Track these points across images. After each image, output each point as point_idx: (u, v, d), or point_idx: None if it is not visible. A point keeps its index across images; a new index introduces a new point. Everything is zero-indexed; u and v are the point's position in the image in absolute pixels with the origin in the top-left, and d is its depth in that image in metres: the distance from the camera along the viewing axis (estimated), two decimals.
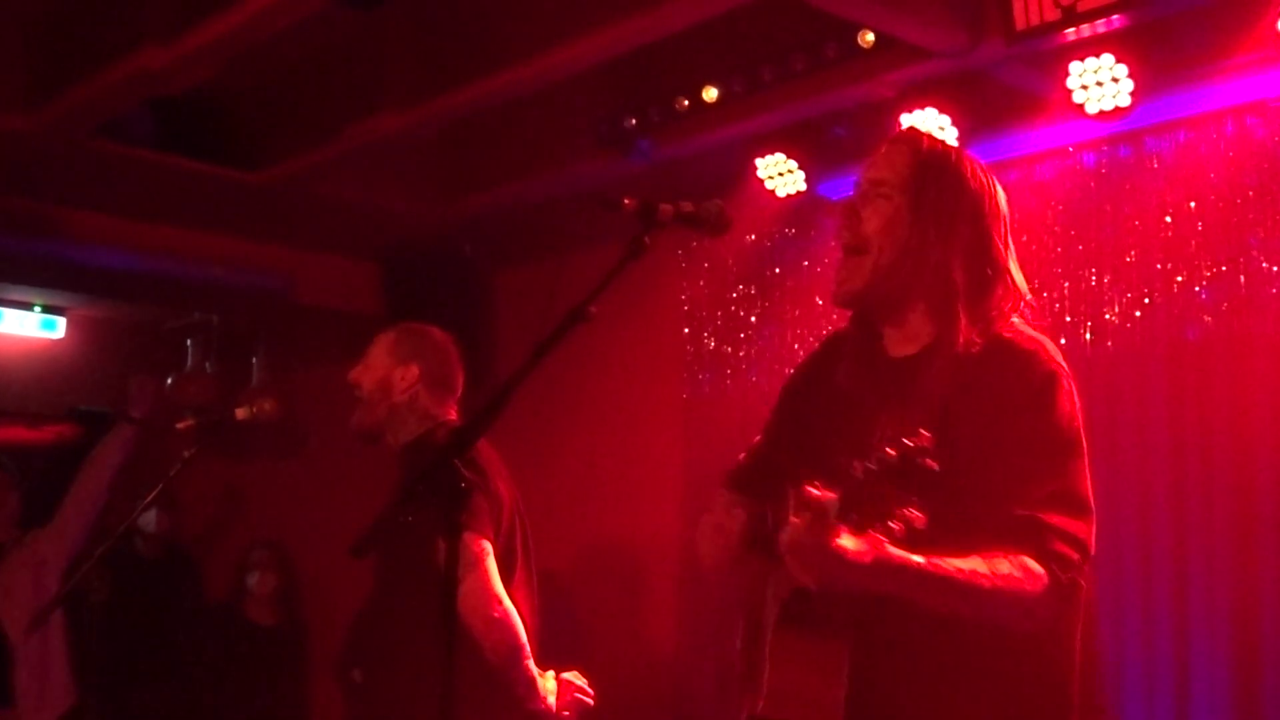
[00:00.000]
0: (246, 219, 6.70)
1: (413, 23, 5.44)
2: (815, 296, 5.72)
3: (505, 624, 3.40)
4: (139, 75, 4.95)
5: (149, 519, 6.71)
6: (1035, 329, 2.45)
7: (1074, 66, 4.46)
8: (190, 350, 7.83)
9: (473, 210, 6.55)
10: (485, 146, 6.37)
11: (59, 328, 7.94)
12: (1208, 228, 4.61)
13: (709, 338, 6.10)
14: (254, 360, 7.86)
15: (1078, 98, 4.52)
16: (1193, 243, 4.62)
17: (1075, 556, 2.22)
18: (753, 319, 5.98)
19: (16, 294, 7.61)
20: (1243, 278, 4.51)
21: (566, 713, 3.61)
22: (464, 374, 3.89)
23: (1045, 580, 2.17)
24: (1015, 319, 2.44)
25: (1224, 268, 4.55)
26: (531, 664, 3.50)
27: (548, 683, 3.59)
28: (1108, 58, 4.40)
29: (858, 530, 1.95)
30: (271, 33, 4.65)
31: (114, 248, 6.65)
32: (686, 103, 5.20)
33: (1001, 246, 2.46)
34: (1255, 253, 4.50)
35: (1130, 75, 4.40)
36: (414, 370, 3.75)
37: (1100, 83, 4.45)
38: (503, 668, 3.41)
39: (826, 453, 2.35)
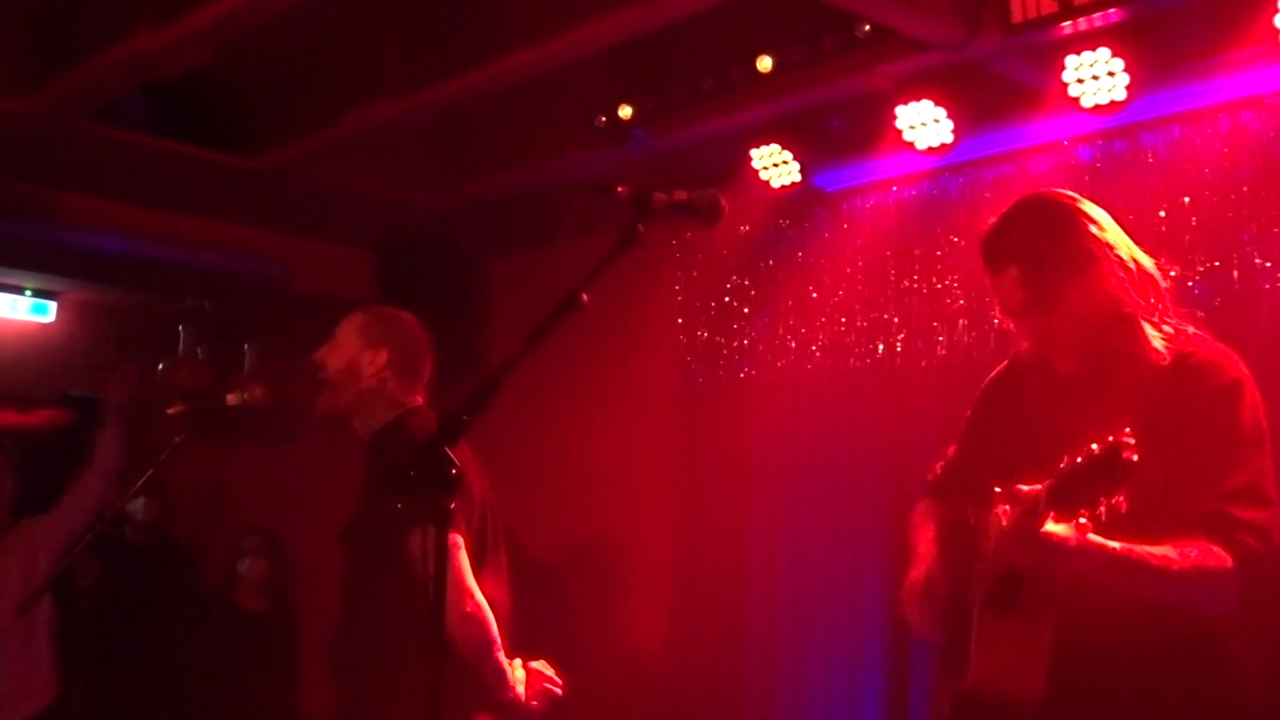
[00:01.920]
0: (241, 205, 6.69)
1: (410, 9, 5.43)
2: (809, 288, 5.72)
3: (477, 619, 3.38)
4: (134, 59, 4.93)
5: (137, 506, 6.70)
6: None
7: (1070, 60, 4.45)
8: (182, 336, 7.81)
9: (468, 198, 6.54)
10: (481, 135, 6.36)
11: (51, 312, 7.93)
12: (1202, 223, 4.61)
13: (702, 329, 6.09)
14: (246, 347, 7.84)
15: (1073, 91, 4.51)
16: (1187, 238, 4.61)
17: (1259, 546, 2.43)
18: (746, 310, 5.97)
19: (8, 277, 7.59)
20: (1236, 273, 4.51)
21: (535, 702, 3.60)
22: (433, 361, 3.82)
23: (1231, 567, 2.40)
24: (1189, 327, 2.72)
25: (1218, 263, 4.55)
26: (502, 656, 3.49)
27: (516, 672, 3.58)
28: (1104, 51, 4.39)
29: (1065, 516, 2.23)
30: (267, 17, 4.64)
31: (107, 232, 6.63)
32: (710, 82, 5.17)
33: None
34: (1249, 248, 4.50)
35: (1126, 69, 4.40)
36: (383, 355, 3.68)
37: (1096, 76, 4.45)
38: (474, 660, 3.40)
39: (1022, 457, 2.59)
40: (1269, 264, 4.45)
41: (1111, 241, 2.69)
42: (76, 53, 5.17)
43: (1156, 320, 2.67)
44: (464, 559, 3.40)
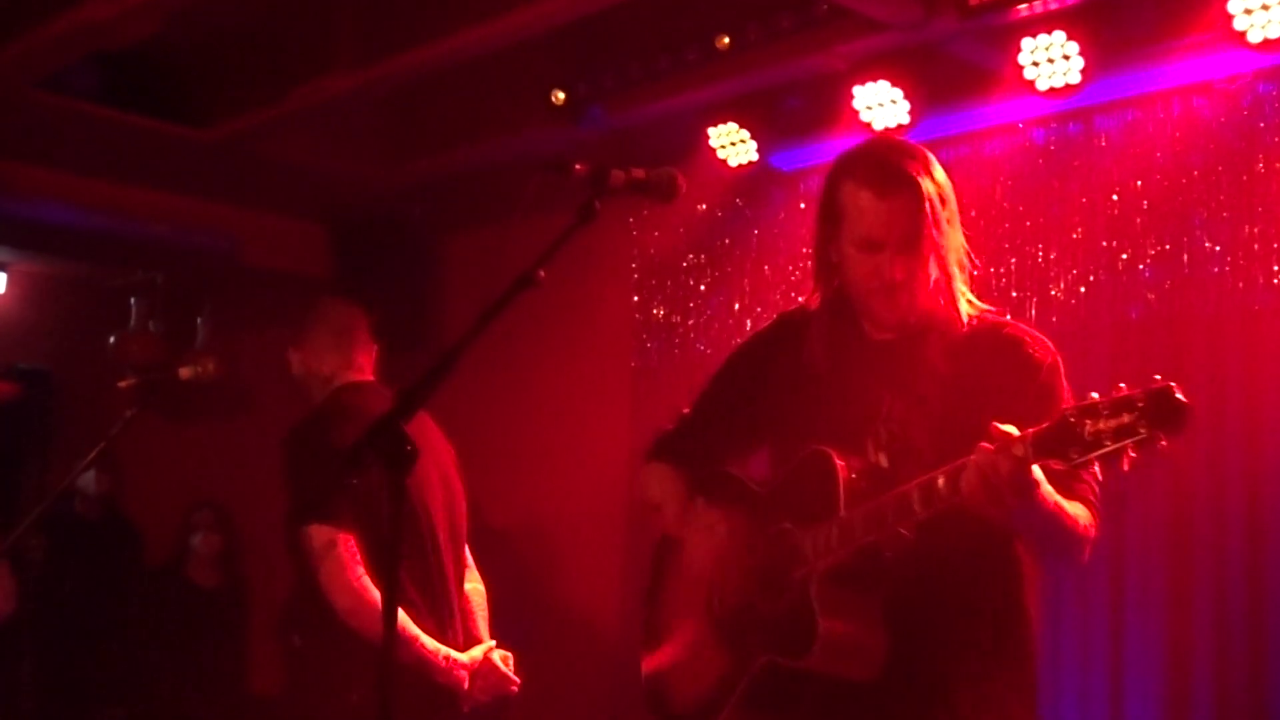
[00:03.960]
0: (192, 177, 6.62)
1: None
2: (765, 267, 5.74)
3: (368, 611, 3.32)
4: (83, 28, 4.87)
5: (88, 480, 6.64)
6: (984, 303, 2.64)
7: (1026, 43, 4.48)
8: (134, 309, 7.74)
9: (422, 174, 6.50)
10: (436, 110, 6.32)
11: None
12: (1153, 207, 4.66)
13: (658, 306, 6.10)
14: (199, 320, 7.78)
15: (1029, 74, 4.54)
16: (1138, 221, 4.67)
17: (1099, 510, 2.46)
18: (702, 288, 5.98)
19: None
20: (1186, 257, 4.57)
21: (481, 695, 3.60)
22: (366, 331, 3.83)
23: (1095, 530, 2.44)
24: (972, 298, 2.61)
25: (1168, 246, 4.60)
26: (420, 644, 3.46)
27: (462, 658, 3.57)
28: (1059, 35, 4.42)
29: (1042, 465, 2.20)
30: None
31: (56, 203, 6.55)
32: (667, 60, 5.15)
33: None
34: (1199, 232, 4.55)
35: (1081, 53, 4.43)
36: (299, 352, 3.79)
37: (1051, 60, 4.48)
38: (383, 652, 3.40)
39: (823, 427, 2.53)
40: (1218, 248, 4.51)
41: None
42: (24, 21, 5.09)
43: (968, 297, 2.59)
44: (343, 553, 3.38)
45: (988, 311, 2.61)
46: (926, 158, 2.55)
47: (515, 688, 3.69)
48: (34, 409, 7.98)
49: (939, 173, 2.54)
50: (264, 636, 6.72)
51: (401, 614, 3.34)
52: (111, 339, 7.54)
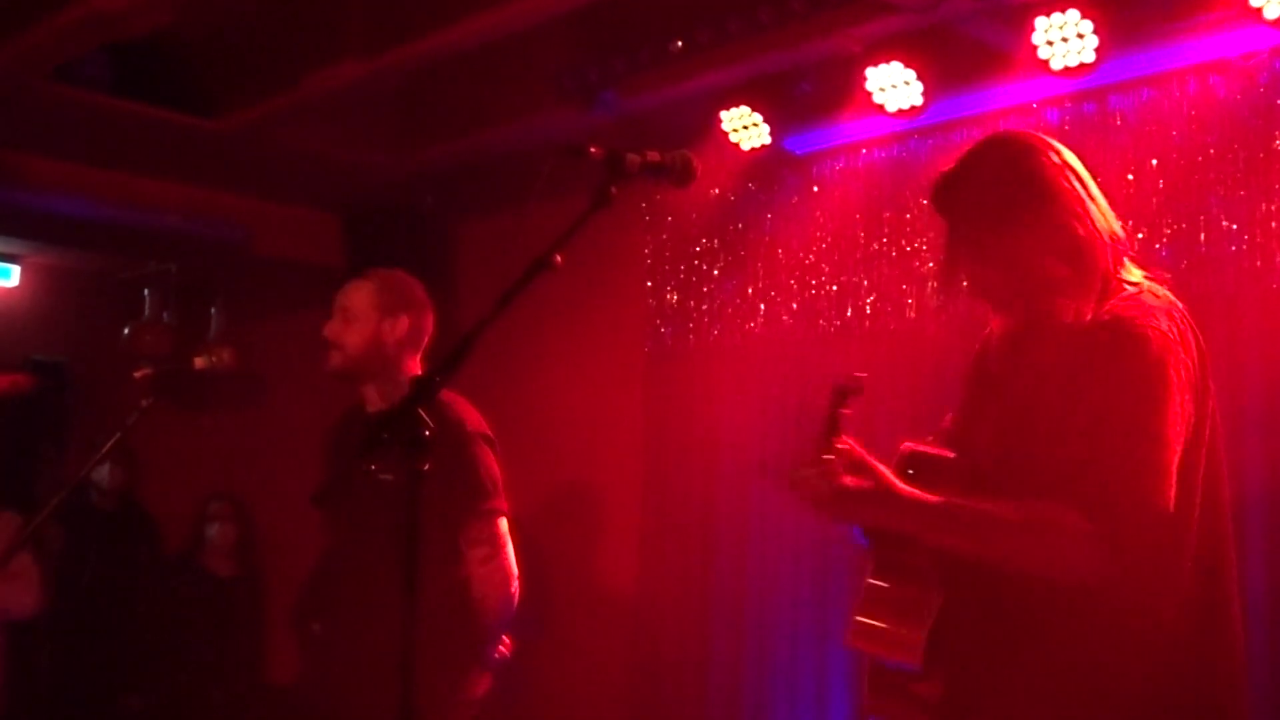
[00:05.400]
0: (205, 167, 6.62)
1: None
2: (778, 251, 5.72)
3: (512, 603, 3.53)
4: (94, 19, 4.86)
5: (102, 473, 6.65)
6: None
7: (1039, 22, 4.45)
8: (147, 300, 7.75)
9: (434, 161, 6.49)
10: (447, 97, 6.31)
11: (13, 276, 7.85)
12: (1169, 186, 4.62)
13: (671, 291, 6.09)
14: (212, 311, 7.79)
15: (1043, 53, 4.51)
16: (1154, 200, 4.63)
17: (1127, 506, 2.20)
18: (715, 273, 5.97)
19: None
20: (1203, 236, 4.53)
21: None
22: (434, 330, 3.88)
23: (1086, 529, 2.19)
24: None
25: (1184, 225, 4.57)
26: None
27: None
28: (1073, 13, 4.39)
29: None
30: None
31: (70, 194, 6.56)
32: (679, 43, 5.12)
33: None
34: (1215, 211, 4.52)
35: (1095, 31, 4.40)
36: (404, 322, 3.75)
37: (1065, 39, 4.45)
38: (490, 635, 3.45)
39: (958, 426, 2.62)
40: (1235, 226, 4.47)
41: (1072, 188, 2.46)
42: (35, 12, 5.09)
43: (1102, 278, 2.45)
44: (510, 544, 3.59)
45: (1139, 293, 2.44)
46: (975, 165, 2.49)
47: (508, 653, 3.75)
48: (48, 401, 7.99)
49: (1000, 174, 2.45)
50: (280, 626, 6.75)
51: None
52: (125, 330, 7.56)
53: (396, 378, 3.70)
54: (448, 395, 3.56)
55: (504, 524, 3.59)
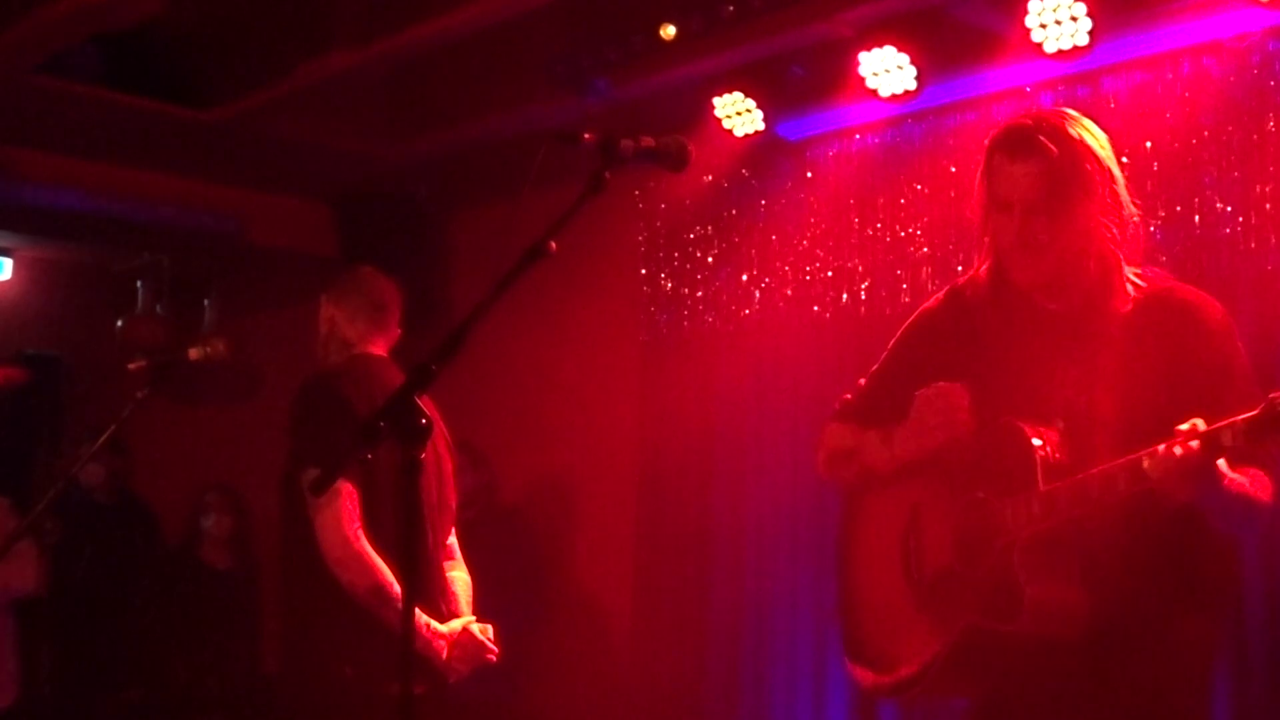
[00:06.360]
0: (197, 159, 6.61)
1: None
2: (772, 237, 5.71)
3: (358, 564, 3.39)
4: (83, 10, 4.85)
5: (95, 468, 6.61)
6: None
7: (1033, 5, 4.44)
8: (140, 292, 7.73)
9: (427, 150, 6.48)
10: (439, 86, 6.29)
11: (5, 269, 7.83)
12: (1163, 168, 4.62)
13: (666, 278, 6.08)
14: (206, 302, 7.78)
15: (1036, 37, 4.50)
16: (1148, 183, 4.62)
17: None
18: (710, 259, 5.96)
19: None
20: (1197, 218, 4.53)
21: (459, 665, 3.60)
22: (397, 308, 3.88)
23: (1272, 496, 2.49)
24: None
25: (1178, 208, 4.57)
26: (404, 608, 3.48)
27: (442, 628, 3.57)
28: None
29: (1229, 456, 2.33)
30: None
31: (61, 187, 6.54)
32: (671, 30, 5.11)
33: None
34: (1210, 193, 4.51)
35: (1089, 14, 4.39)
36: (330, 306, 3.82)
37: (1059, 21, 4.44)
38: (370, 608, 3.42)
39: (1002, 398, 2.65)
40: (1229, 208, 4.47)
41: (1118, 178, 2.69)
42: (24, 4, 5.07)
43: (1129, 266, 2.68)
44: (346, 505, 3.42)
45: (1154, 274, 2.70)
46: (1063, 126, 2.64)
47: (494, 657, 3.69)
48: (43, 394, 7.99)
49: (1086, 141, 2.64)
50: (277, 617, 6.74)
51: (389, 573, 3.40)
52: (119, 323, 7.54)
53: (330, 356, 3.83)
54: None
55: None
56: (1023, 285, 2.70)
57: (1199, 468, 2.28)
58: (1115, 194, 2.65)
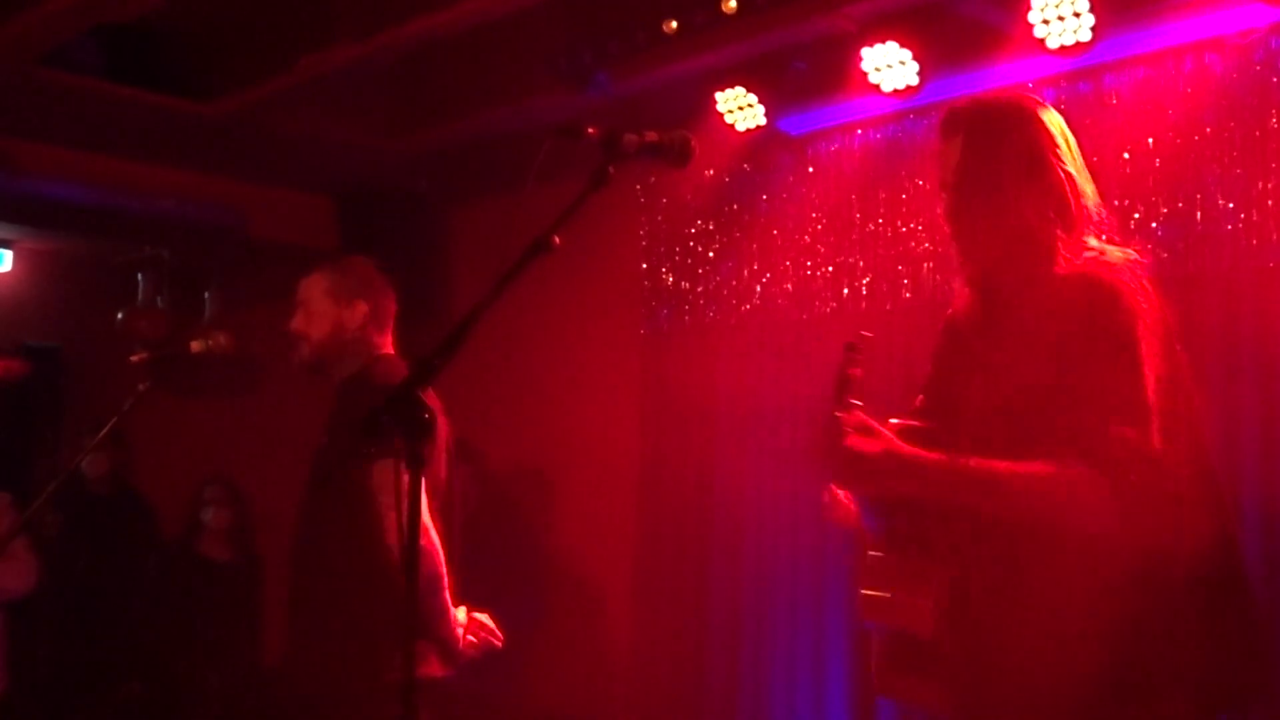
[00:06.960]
0: (198, 151, 6.61)
1: None
2: (774, 232, 5.71)
3: (429, 553, 3.42)
4: (85, 3, 4.84)
5: (91, 463, 6.62)
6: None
7: (1035, 0, 4.44)
8: (141, 284, 7.74)
9: (428, 144, 6.48)
10: (441, 80, 6.29)
11: (6, 261, 7.84)
12: (1165, 164, 4.61)
13: (667, 273, 6.08)
14: (206, 295, 7.78)
15: (1039, 32, 4.50)
16: (1150, 179, 4.62)
17: (1127, 458, 2.27)
18: (711, 254, 5.96)
19: None
20: (1199, 215, 4.52)
21: (472, 650, 3.66)
22: (396, 305, 3.89)
23: (1098, 477, 2.26)
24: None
25: (1181, 204, 4.56)
26: (447, 594, 3.55)
27: (459, 615, 3.62)
28: None
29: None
30: None
31: (62, 180, 6.54)
32: (673, 24, 5.11)
33: None
34: (1212, 189, 4.51)
35: (1091, 10, 4.39)
36: (362, 308, 3.77)
37: (1061, 17, 4.43)
38: (421, 595, 3.43)
39: (937, 385, 2.69)
40: (1231, 205, 4.47)
41: (1064, 154, 2.56)
42: None
43: (1071, 241, 2.52)
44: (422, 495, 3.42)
45: (1098, 251, 2.52)
46: (992, 104, 2.60)
47: (500, 644, 3.73)
48: (43, 386, 7.99)
49: (1014, 117, 2.56)
50: (277, 610, 6.74)
51: (443, 560, 3.47)
52: (119, 315, 7.54)
53: (350, 360, 3.77)
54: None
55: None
56: (959, 264, 2.65)
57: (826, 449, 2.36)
58: (1053, 168, 2.53)
